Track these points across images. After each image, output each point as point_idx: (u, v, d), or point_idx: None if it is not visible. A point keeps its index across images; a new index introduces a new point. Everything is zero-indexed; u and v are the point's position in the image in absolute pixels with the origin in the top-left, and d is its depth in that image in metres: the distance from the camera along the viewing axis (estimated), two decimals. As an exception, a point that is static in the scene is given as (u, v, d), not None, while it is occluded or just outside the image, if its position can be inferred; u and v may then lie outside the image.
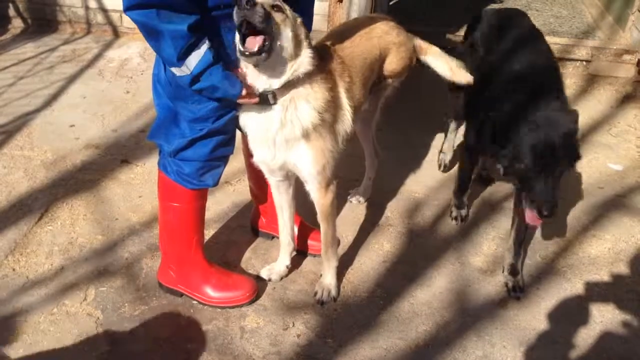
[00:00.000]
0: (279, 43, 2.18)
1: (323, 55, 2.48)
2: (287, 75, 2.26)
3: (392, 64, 2.95)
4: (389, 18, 3.04)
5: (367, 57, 2.76)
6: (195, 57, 2.12)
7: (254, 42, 2.11)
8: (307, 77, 2.33)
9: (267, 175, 2.71)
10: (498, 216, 3.43)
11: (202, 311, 2.77)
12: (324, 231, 2.75)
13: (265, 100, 2.29)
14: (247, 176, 3.10)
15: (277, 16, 2.17)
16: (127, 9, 2.03)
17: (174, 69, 2.18)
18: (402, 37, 2.96)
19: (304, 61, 2.29)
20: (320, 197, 2.63)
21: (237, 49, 2.15)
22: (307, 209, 2.83)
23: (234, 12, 2.06)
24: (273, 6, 2.17)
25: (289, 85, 2.30)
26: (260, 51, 2.11)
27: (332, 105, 2.46)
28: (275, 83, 2.27)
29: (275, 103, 2.30)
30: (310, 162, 2.47)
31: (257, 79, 2.27)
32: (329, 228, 2.74)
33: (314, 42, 2.47)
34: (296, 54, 2.27)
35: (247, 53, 2.12)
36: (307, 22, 2.51)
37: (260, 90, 2.27)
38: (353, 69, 2.64)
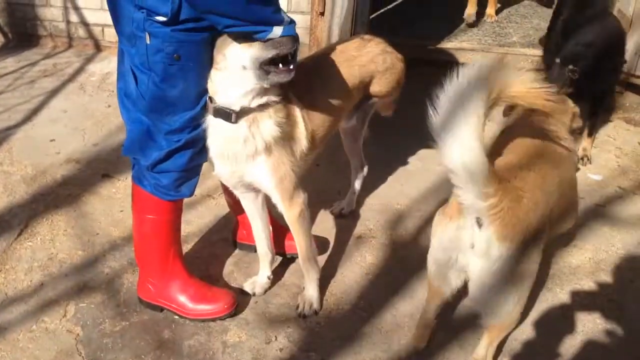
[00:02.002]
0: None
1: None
2: (249, 103, 2.35)
3: (378, 87, 2.98)
4: (380, 41, 3.04)
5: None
6: None
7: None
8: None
9: (230, 188, 2.74)
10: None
11: (184, 326, 2.74)
12: (298, 244, 2.75)
13: (226, 117, 2.35)
14: (222, 188, 3.10)
15: None
16: None
17: None
18: (388, 63, 2.98)
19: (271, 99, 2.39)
20: (285, 209, 2.64)
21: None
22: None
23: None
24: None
25: (250, 111, 2.37)
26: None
27: (289, 123, 2.52)
28: (236, 106, 2.34)
29: (236, 122, 2.35)
30: (268, 174, 2.51)
31: (222, 94, 2.33)
32: (302, 240, 2.73)
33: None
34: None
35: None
36: None
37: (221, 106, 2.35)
38: (317, 95, 2.68)
